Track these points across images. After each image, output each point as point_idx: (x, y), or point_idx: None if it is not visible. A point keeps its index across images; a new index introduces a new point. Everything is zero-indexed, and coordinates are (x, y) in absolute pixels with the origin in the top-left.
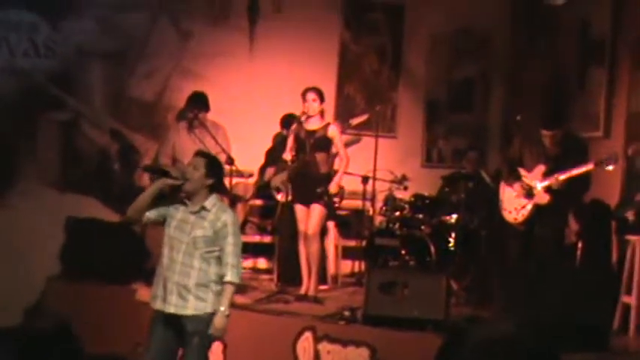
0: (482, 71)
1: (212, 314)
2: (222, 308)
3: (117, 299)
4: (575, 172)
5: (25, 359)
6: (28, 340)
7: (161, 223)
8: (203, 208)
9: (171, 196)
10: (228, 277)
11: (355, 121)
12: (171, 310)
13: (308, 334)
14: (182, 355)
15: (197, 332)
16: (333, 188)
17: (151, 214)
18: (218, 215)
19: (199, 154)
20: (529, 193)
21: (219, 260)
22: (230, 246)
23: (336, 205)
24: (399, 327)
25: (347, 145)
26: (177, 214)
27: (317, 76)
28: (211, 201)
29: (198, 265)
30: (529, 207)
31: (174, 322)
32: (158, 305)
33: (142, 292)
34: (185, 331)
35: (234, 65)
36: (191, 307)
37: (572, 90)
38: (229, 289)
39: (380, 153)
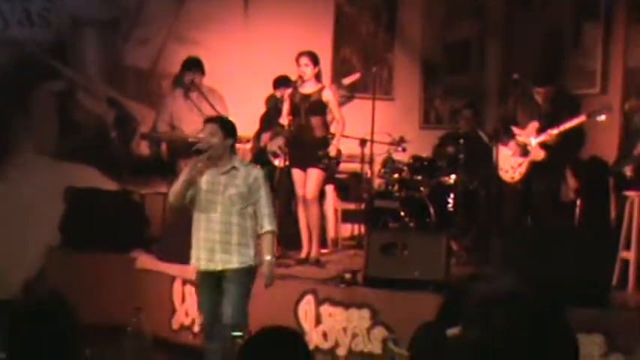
0: (478, 31)
1: (252, 266)
2: (268, 257)
3: (117, 268)
4: (569, 124)
5: (17, 331)
6: (19, 312)
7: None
8: (234, 167)
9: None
10: (267, 227)
11: (347, 80)
12: (219, 267)
13: (309, 298)
14: (222, 300)
15: (239, 282)
16: (332, 151)
17: (190, 192)
18: (248, 171)
19: (208, 120)
20: (524, 150)
21: (253, 215)
22: (264, 198)
23: (335, 168)
24: (400, 288)
25: (339, 105)
26: (203, 178)
27: (312, 39)
28: (237, 160)
29: (236, 222)
30: (525, 165)
31: (218, 277)
32: (203, 266)
33: (142, 260)
34: (229, 281)
35: (228, 30)
36: (236, 261)
37: (568, 47)
38: (270, 238)
39: (377, 115)
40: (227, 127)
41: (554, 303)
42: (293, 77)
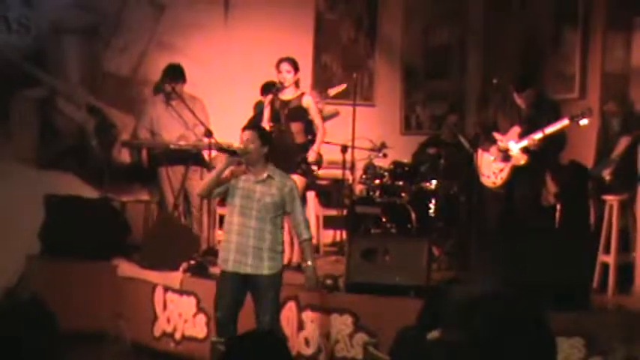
0: (458, 37)
1: (281, 271)
2: (310, 263)
3: (98, 275)
4: (551, 129)
5: None
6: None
7: (224, 194)
8: (269, 176)
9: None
10: (305, 235)
11: (333, 91)
12: (248, 270)
13: (291, 304)
14: (255, 308)
15: (272, 288)
16: (311, 157)
17: (218, 189)
18: (283, 182)
19: (248, 127)
20: (506, 155)
21: (282, 224)
22: (299, 207)
23: (314, 173)
24: (381, 294)
25: (326, 118)
26: (239, 183)
27: (293, 46)
28: (272, 169)
29: (269, 229)
30: (507, 170)
31: (246, 280)
32: (231, 268)
33: (123, 268)
34: (260, 288)
35: (209, 36)
36: (266, 267)
37: (547, 52)
38: (309, 245)
39: (358, 121)
40: (264, 136)
41: (534, 306)
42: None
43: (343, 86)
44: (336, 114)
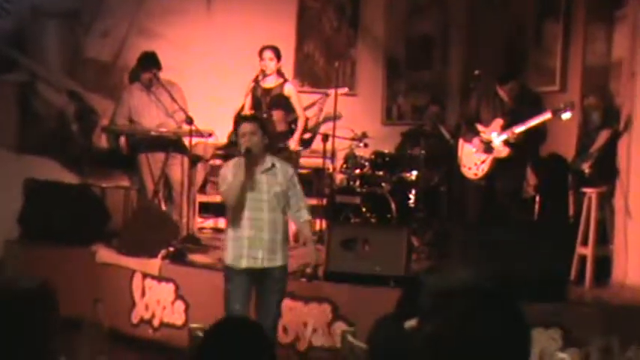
0: (441, 27)
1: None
2: (310, 241)
3: (77, 261)
4: (533, 122)
5: None
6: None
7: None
8: (273, 165)
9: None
10: (307, 216)
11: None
12: (264, 264)
13: None
14: (261, 299)
15: (283, 279)
16: (292, 145)
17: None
18: (284, 169)
19: (247, 119)
20: (488, 147)
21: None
22: (300, 191)
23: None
24: (360, 283)
25: (328, 119)
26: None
27: (275, 34)
28: (272, 158)
29: (280, 219)
30: (489, 162)
31: (259, 274)
32: (245, 264)
33: (102, 254)
34: (273, 279)
35: (191, 23)
36: (280, 258)
37: (529, 44)
38: (310, 224)
39: (340, 110)
40: (264, 126)
41: (510, 296)
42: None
43: (345, 89)
44: (339, 117)
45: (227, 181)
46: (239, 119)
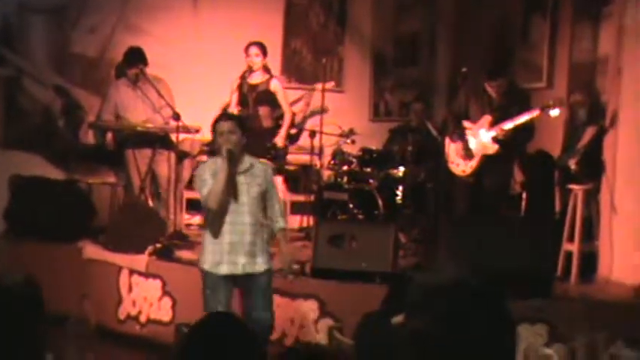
0: (428, 24)
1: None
2: (285, 251)
3: (63, 257)
4: (522, 119)
5: None
6: None
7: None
8: (252, 165)
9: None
10: (282, 223)
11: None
12: (246, 270)
13: None
14: (248, 305)
15: (267, 285)
16: (280, 142)
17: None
18: (264, 168)
19: (225, 117)
20: (468, 153)
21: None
22: (276, 194)
23: (283, 159)
24: (347, 280)
25: (315, 113)
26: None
27: (262, 30)
28: (250, 158)
29: (260, 221)
30: (477, 158)
31: (241, 280)
32: (224, 271)
33: (89, 250)
34: (257, 284)
35: (178, 19)
36: (263, 262)
37: (516, 41)
38: (285, 234)
39: (326, 105)
40: (243, 125)
41: (496, 293)
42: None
43: (331, 83)
44: (326, 110)
45: (207, 184)
46: (217, 117)
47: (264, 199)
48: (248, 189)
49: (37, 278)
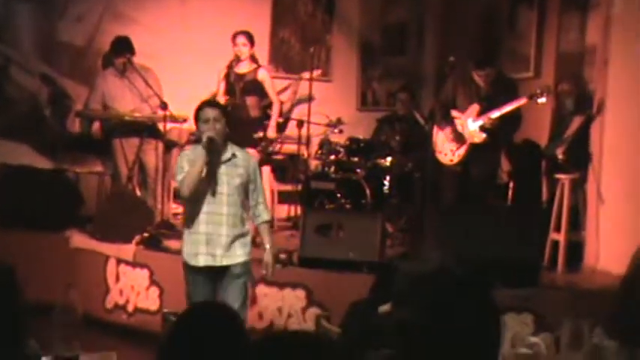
0: (416, 13)
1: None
2: (268, 246)
3: (50, 246)
4: (509, 107)
5: None
6: None
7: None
8: (234, 155)
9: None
10: (266, 217)
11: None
12: (224, 262)
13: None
14: (222, 295)
15: (243, 274)
16: (271, 132)
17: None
18: (247, 159)
19: (210, 104)
20: (459, 137)
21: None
22: (261, 186)
23: (273, 149)
24: (334, 269)
25: (302, 101)
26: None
27: (250, 19)
28: (232, 146)
29: (240, 213)
30: (464, 147)
31: (218, 272)
32: (203, 262)
33: (76, 239)
34: (232, 275)
35: (166, 8)
36: (242, 253)
37: (504, 31)
38: (269, 227)
39: (314, 96)
40: (227, 113)
41: (482, 283)
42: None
43: (318, 71)
44: (313, 98)
45: (183, 172)
46: (200, 104)
47: (246, 190)
48: (228, 179)
49: (18, 268)
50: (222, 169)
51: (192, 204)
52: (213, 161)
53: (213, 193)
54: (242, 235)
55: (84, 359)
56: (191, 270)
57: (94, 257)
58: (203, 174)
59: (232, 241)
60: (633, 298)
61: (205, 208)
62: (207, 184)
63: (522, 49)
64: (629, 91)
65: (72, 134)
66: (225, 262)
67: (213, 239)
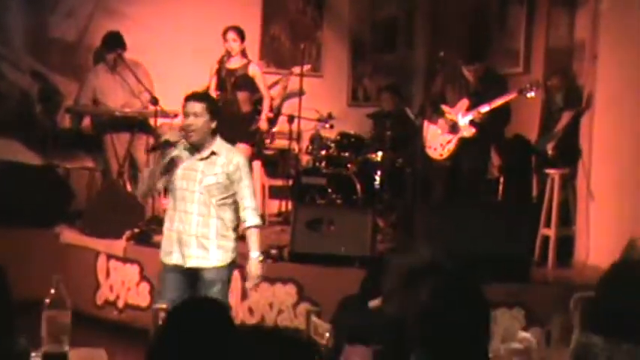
0: (406, 10)
1: (232, 263)
2: (254, 255)
3: (41, 242)
4: (499, 102)
5: None
6: None
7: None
8: (213, 153)
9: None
10: (251, 222)
11: (297, 70)
12: (193, 263)
13: (235, 273)
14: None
15: (218, 281)
16: (263, 126)
17: (162, 179)
18: (229, 158)
19: (192, 98)
20: (453, 127)
21: (234, 205)
22: (247, 189)
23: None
24: (325, 264)
25: (291, 96)
26: (180, 162)
27: (241, 15)
28: (219, 144)
29: (215, 214)
30: (454, 142)
31: (191, 274)
32: (174, 261)
33: (66, 235)
34: (203, 280)
35: (157, 3)
36: (214, 258)
37: (493, 27)
38: (256, 233)
39: (305, 92)
40: (214, 108)
41: (471, 278)
42: (220, 52)
43: (308, 66)
44: (303, 93)
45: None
46: (187, 96)
47: (225, 190)
48: (202, 178)
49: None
50: (199, 167)
51: (172, 201)
52: (173, 163)
53: (184, 191)
54: (218, 239)
55: (73, 355)
56: (164, 268)
57: (84, 253)
58: (171, 175)
59: (203, 243)
60: (617, 292)
61: (178, 205)
62: (180, 181)
63: (512, 44)
64: (618, 86)
65: (62, 130)
66: (194, 264)
67: (183, 238)
